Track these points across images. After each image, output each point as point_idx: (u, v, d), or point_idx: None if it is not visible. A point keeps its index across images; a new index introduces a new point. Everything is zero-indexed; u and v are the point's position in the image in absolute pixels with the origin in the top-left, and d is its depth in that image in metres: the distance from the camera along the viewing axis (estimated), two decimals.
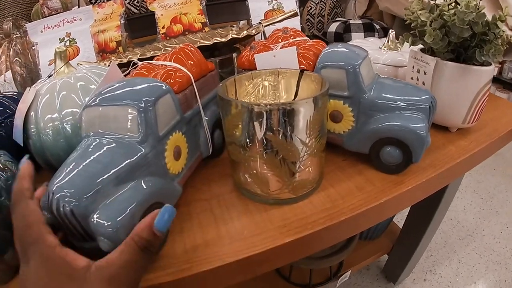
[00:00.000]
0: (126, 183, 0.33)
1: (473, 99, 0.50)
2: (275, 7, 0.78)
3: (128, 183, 0.33)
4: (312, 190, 0.43)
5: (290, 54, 0.47)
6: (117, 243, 0.29)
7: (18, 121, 0.48)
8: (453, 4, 0.47)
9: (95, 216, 0.30)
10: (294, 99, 0.47)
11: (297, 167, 0.38)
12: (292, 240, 0.37)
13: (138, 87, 0.38)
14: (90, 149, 0.35)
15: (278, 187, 0.40)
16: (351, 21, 0.94)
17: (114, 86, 0.38)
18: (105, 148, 0.35)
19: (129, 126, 0.36)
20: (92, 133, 0.37)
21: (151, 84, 0.39)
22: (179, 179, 0.42)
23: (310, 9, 1.00)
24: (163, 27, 0.78)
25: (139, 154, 0.35)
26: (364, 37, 0.89)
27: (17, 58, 0.78)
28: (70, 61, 0.53)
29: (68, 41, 0.75)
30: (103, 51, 0.76)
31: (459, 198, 1.55)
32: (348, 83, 0.44)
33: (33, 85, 0.51)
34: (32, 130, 0.47)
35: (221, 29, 0.71)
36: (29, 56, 0.79)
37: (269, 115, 0.35)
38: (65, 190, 0.30)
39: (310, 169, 0.40)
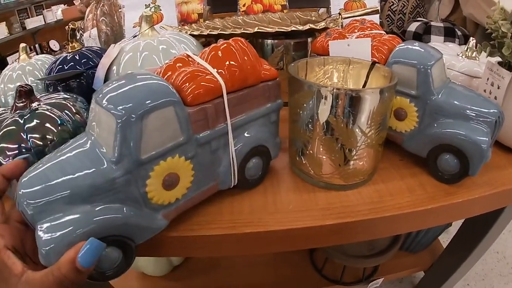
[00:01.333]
0: (80, 205, 0.29)
1: None
2: None
3: (83, 206, 0.29)
4: (362, 182, 0.43)
5: (364, 45, 0.47)
6: (48, 264, 0.28)
7: (101, 72, 0.53)
8: None
9: (38, 226, 0.28)
10: None
11: (352, 154, 0.39)
12: (332, 223, 0.38)
13: (135, 89, 0.31)
14: (69, 147, 0.32)
15: (331, 171, 0.41)
16: (432, 23, 0.89)
17: (114, 83, 0.32)
18: (77, 153, 0.31)
19: (108, 139, 0.30)
20: (90, 132, 0.33)
21: (150, 89, 0.31)
22: (166, 211, 0.35)
23: (392, 5, 0.96)
24: (243, 5, 0.81)
25: (106, 176, 0.29)
26: (444, 42, 0.84)
27: (104, 18, 0.85)
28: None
29: (154, 8, 0.81)
30: (184, 21, 0.80)
31: (510, 232, 1.42)
32: (418, 82, 0.43)
33: (118, 43, 0.56)
34: None
35: (300, 13, 0.72)
36: (115, 17, 0.86)
37: (335, 99, 0.36)
38: (23, 189, 0.29)
39: (365, 160, 0.40)
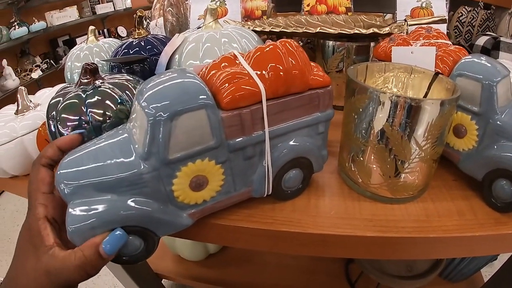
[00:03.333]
0: (108, 193, 0.31)
1: None
2: (424, 5, 0.73)
3: (111, 194, 0.31)
4: (411, 198, 0.41)
5: (429, 54, 0.45)
6: (71, 240, 0.30)
7: (164, 59, 0.55)
8: None
9: (69, 205, 0.30)
10: None
11: (404, 167, 0.37)
12: (373, 236, 0.37)
13: (169, 89, 0.31)
14: (107, 136, 0.34)
15: (379, 182, 0.39)
16: (502, 39, 0.83)
17: (157, 80, 0.32)
18: (112, 144, 0.33)
19: (139, 135, 0.31)
20: (129, 121, 0.35)
21: (184, 90, 0.31)
22: (192, 211, 0.35)
23: (461, 15, 0.91)
24: (308, 5, 0.80)
25: (134, 171, 0.31)
26: None
27: (170, 8, 0.88)
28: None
29: (219, 2, 0.83)
30: (248, 17, 0.82)
31: None
32: (481, 98, 0.40)
33: (182, 33, 0.58)
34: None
35: (365, 17, 0.70)
36: (181, 8, 0.89)
37: (393, 107, 0.34)
38: (61, 169, 0.31)
39: (416, 174, 0.38)
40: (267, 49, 0.35)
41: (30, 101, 0.56)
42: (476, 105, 0.41)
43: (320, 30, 0.55)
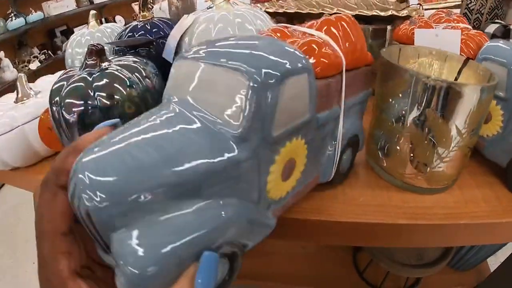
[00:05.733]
0: (187, 200, 0.20)
1: None
2: None
3: (192, 201, 0.20)
4: (445, 188, 0.40)
5: (454, 38, 0.43)
6: None
7: (172, 41, 0.52)
8: None
9: (123, 234, 0.18)
10: None
11: (443, 156, 0.36)
12: (404, 223, 0.35)
13: (265, 50, 0.24)
14: (158, 121, 0.22)
15: (415, 171, 0.38)
16: None
17: (232, 41, 0.26)
18: (180, 128, 0.22)
19: (228, 107, 0.22)
20: (175, 98, 0.25)
21: (285, 51, 0.25)
22: (275, 209, 0.28)
23: (470, 3, 0.90)
24: None
25: (228, 156, 0.21)
26: None
27: None
28: None
29: None
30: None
31: None
32: (508, 83, 0.39)
33: (191, 13, 0.55)
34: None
35: (377, 0, 0.68)
36: None
37: (434, 91, 0.32)
38: (87, 175, 0.19)
39: (454, 164, 0.37)
40: (339, 22, 0.33)
41: (30, 88, 0.53)
42: (502, 90, 0.40)
43: (337, 11, 0.53)
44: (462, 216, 0.37)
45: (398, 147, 0.38)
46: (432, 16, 0.52)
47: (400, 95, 0.35)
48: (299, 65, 0.25)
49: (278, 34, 0.33)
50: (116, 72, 0.42)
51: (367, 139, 0.44)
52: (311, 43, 0.30)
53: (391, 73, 0.36)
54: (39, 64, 2.43)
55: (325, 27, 0.33)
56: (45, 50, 2.55)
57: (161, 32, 0.58)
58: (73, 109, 0.39)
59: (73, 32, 2.75)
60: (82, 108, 0.39)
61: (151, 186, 0.19)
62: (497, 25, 0.84)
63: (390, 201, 0.38)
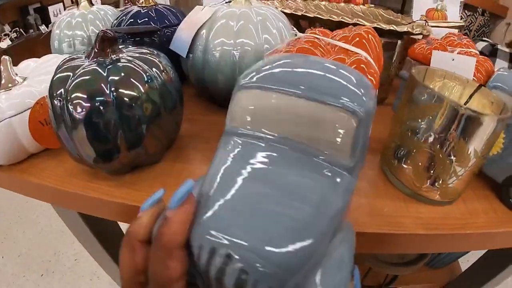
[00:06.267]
0: (336, 233, 0.21)
1: None
2: (439, 7, 0.75)
3: (337, 233, 0.21)
4: (452, 200, 0.44)
5: (469, 64, 0.47)
6: None
7: (186, 34, 0.49)
8: None
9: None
10: None
11: (459, 174, 0.39)
12: (423, 233, 0.39)
13: (350, 82, 0.23)
14: (272, 167, 0.21)
15: (430, 186, 0.41)
16: (499, 47, 0.88)
17: (310, 68, 0.23)
18: (300, 170, 0.21)
19: (338, 142, 0.22)
20: (269, 133, 0.23)
21: (365, 82, 0.24)
22: None
23: (460, 18, 0.96)
24: None
25: (348, 191, 0.22)
26: (508, 68, 0.83)
27: None
28: None
29: None
30: None
31: None
32: None
33: (208, 5, 0.52)
34: (199, 47, 0.48)
35: (383, 11, 0.70)
36: None
37: (461, 117, 0.36)
38: (247, 247, 0.18)
39: (465, 181, 0.41)
40: (368, 35, 0.34)
41: (16, 74, 0.47)
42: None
43: (356, 22, 0.55)
44: (467, 226, 0.41)
45: (420, 163, 0.41)
46: (444, 38, 0.55)
47: (431, 117, 0.38)
48: (374, 90, 0.25)
49: (311, 45, 0.33)
50: (132, 66, 0.38)
51: (385, 148, 0.46)
52: (359, 63, 0.31)
53: (422, 95, 0.39)
54: (10, 43, 2.29)
55: (357, 40, 0.34)
56: (17, 28, 2.40)
57: (166, 21, 0.54)
58: (83, 104, 0.35)
59: (47, 10, 2.61)
60: (96, 104, 0.35)
61: (317, 237, 0.19)
62: (485, 43, 0.89)
63: (408, 212, 0.41)
